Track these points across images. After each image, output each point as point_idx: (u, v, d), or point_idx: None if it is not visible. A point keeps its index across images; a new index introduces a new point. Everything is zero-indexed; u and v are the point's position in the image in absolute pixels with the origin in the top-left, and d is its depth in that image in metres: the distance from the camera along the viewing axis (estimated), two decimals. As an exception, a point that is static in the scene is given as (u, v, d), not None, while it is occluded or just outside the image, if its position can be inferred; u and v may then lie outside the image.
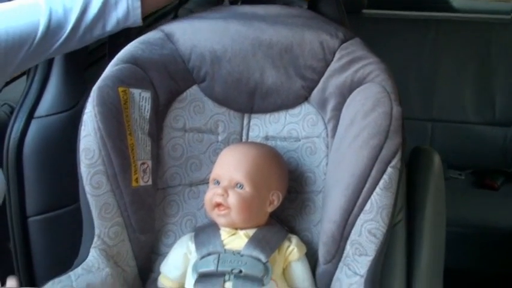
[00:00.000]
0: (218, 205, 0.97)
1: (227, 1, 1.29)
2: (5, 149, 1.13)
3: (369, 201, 0.90)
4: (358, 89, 0.98)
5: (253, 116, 1.10)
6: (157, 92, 1.03)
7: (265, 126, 1.10)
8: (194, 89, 1.07)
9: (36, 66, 1.17)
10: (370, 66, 0.98)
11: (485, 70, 1.99)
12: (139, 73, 1.00)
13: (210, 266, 0.94)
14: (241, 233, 0.98)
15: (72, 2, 0.99)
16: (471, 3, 2.69)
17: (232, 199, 0.96)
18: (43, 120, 1.15)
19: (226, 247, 0.96)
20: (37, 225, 1.18)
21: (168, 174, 1.07)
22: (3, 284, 0.82)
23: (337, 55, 1.02)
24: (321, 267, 1.00)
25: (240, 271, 0.93)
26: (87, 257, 0.96)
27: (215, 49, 1.04)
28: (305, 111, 1.07)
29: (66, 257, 1.01)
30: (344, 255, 0.95)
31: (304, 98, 1.06)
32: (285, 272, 1.00)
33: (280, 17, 1.06)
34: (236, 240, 0.97)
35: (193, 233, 1.03)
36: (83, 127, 0.95)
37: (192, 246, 0.99)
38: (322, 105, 1.04)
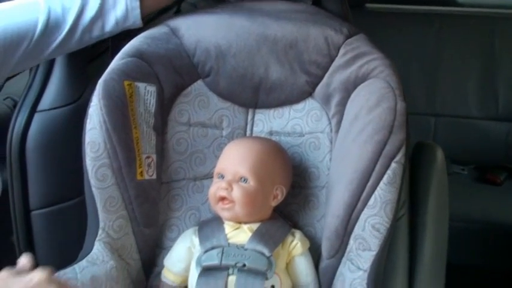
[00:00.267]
0: (222, 199, 0.97)
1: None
2: (8, 143, 1.13)
3: (373, 196, 0.90)
4: (362, 85, 0.98)
5: (257, 111, 1.10)
6: (163, 86, 1.03)
7: (269, 122, 1.10)
8: (199, 84, 1.07)
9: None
10: (374, 62, 0.98)
11: (488, 65, 1.98)
12: (145, 67, 1.01)
13: (213, 260, 0.94)
14: (245, 227, 0.99)
15: (71, 2, 0.99)
16: (475, -3, 2.68)
17: (237, 193, 0.96)
18: (46, 113, 1.14)
19: (230, 241, 0.97)
20: (40, 219, 1.17)
21: (173, 168, 1.07)
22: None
23: (341, 51, 1.02)
24: (324, 262, 1.00)
25: (244, 265, 0.93)
26: (91, 249, 0.97)
27: (220, 44, 1.04)
28: (309, 107, 1.07)
29: (69, 251, 1.01)
30: (347, 250, 0.96)
31: (308, 93, 1.06)
32: (288, 267, 1.00)
33: (285, 13, 1.06)
34: (240, 234, 0.98)
35: (197, 227, 1.03)
36: (88, 120, 0.96)
37: (195, 240, 1.00)
38: (326, 101, 1.04)
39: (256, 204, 0.98)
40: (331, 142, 1.04)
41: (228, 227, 0.99)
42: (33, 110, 1.14)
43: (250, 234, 0.97)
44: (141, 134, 0.99)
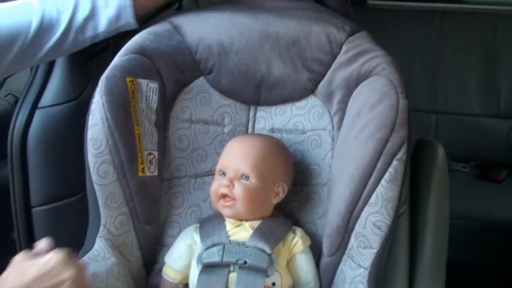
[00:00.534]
0: (224, 196, 0.97)
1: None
2: (9, 139, 1.13)
3: (374, 194, 0.91)
4: (364, 82, 0.98)
5: (259, 108, 1.10)
6: (165, 83, 1.03)
7: (271, 119, 1.10)
8: (201, 81, 1.07)
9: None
10: (376, 59, 0.98)
11: (490, 62, 1.98)
12: (147, 63, 1.00)
13: (214, 257, 0.94)
14: (246, 224, 0.99)
15: (65, 3, 0.98)
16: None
17: (238, 190, 0.96)
18: (47, 110, 1.14)
19: (231, 238, 0.97)
20: (41, 216, 1.18)
21: (174, 165, 1.07)
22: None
23: (344, 48, 1.02)
24: (325, 260, 1.00)
25: (245, 262, 0.93)
26: (92, 246, 0.97)
27: (222, 41, 1.04)
28: (311, 104, 1.07)
29: (70, 247, 1.01)
30: (348, 247, 0.96)
31: (310, 90, 1.06)
32: (289, 264, 1.00)
33: (288, 10, 1.06)
34: (241, 232, 0.98)
35: (198, 224, 1.03)
36: (90, 116, 0.96)
37: (197, 237, 1.00)
38: (328, 98, 1.04)
39: (257, 202, 0.98)
40: (333, 140, 1.04)
41: (229, 224, 0.99)
42: (34, 106, 1.14)
43: (251, 231, 0.97)
44: (143, 131, 0.99)
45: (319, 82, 1.05)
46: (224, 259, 0.94)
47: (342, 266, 0.98)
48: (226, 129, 1.10)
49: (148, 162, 1.00)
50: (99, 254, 0.96)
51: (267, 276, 0.93)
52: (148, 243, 1.04)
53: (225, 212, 0.99)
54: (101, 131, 0.94)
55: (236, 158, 0.99)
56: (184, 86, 1.06)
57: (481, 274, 1.72)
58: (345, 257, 0.97)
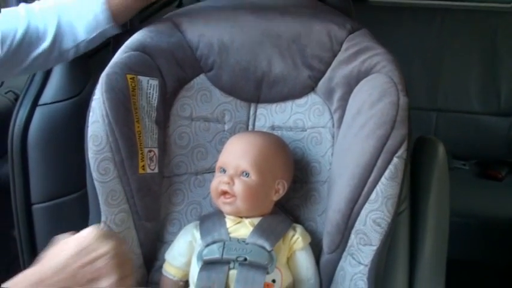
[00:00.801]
0: (224, 193, 0.98)
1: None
2: (9, 136, 1.13)
3: (374, 191, 0.91)
4: (365, 80, 0.98)
5: (259, 105, 1.10)
6: (165, 80, 1.03)
7: (271, 116, 1.10)
8: (201, 78, 1.07)
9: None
10: (377, 57, 0.98)
11: (490, 60, 1.97)
12: (148, 61, 1.01)
13: (215, 254, 0.94)
14: (246, 221, 0.99)
15: (49, 16, 0.98)
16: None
17: (238, 187, 0.96)
18: (48, 107, 1.14)
19: (232, 235, 0.97)
20: (41, 213, 1.18)
21: (174, 163, 1.07)
22: None
23: (344, 46, 1.02)
24: (325, 257, 1.00)
25: (245, 259, 0.93)
26: (93, 243, 0.97)
27: (223, 38, 1.04)
28: (311, 101, 1.07)
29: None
30: (348, 244, 0.96)
31: (310, 88, 1.06)
32: (289, 261, 1.00)
33: (289, 7, 1.06)
34: (241, 229, 0.98)
35: (198, 221, 1.03)
36: (91, 113, 0.96)
37: (197, 234, 1.00)
38: (328, 96, 1.04)
39: (257, 199, 0.98)
40: (333, 137, 1.04)
41: (230, 221, 0.99)
42: (34, 103, 1.14)
43: (251, 228, 0.97)
44: (144, 128, 0.99)
45: (319, 79, 1.05)
46: (224, 256, 0.94)
47: (342, 263, 0.98)
48: (226, 127, 1.10)
49: (149, 160, 1.00)
50: (100, 251, 0.96)
51: (267, 273, 0.93)
52: (148, 240, 1.04)
53: (225, 209, 0.99)
54: (102, 128, 0.94)
55: (236, 155, 0.99)
56: (185, 83, 1.06)
57: (481, 271, 1.72)
58: (345, 254, 0.97)
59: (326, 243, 0.99)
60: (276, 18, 1.03)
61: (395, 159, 0.90)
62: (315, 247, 1.02)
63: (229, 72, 1.06)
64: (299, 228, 1.02)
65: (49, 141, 1.15)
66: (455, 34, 2.01)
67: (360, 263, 0.94)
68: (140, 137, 0.98)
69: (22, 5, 0.99)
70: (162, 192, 1.06)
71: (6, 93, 1.28)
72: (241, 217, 0.99)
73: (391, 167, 0.90)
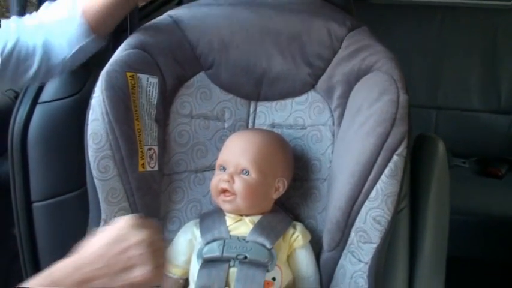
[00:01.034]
0: (224, 191, 0.98)
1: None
2: (9, 135, 1.13)
3: (374, 189, 0.91)
4: (365, 77, 0.98)
5: (259, 103, 1.10)
6: (165, 78, 1.03)
7: (271, 114, 1.10)
8: (201, 76, 1.07)
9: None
10: (377, 55, 0.98)
11: (491, 58, 1.98)
12: (147, 58, 1.00)
13: (215, 252, 0.94)
14: (246, 219, 0.99)
15: (37, 33, 0.96)
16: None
17: (238, 185, 0.96)
18: (47, 105, 1.14)
19: (232, 233, 0.97)
20: (41, 211, 1.18)
21: (174, 161, 1.07)
22: None
23: (344, 43, 1.02)
24: (325, 255, 1.01)
25: (245, 257, 0.93)
26: (93, 241, 0.97)
27: (223, 36, 1.04)
28: (311, 99, 1.07)
29: (71, 243, 1.01)
30: (348, 242, 0.96)
31: (310, 85, 1.06)
32: (289, 259, 1.00)
33: (288, 5, 1.06)
34: (241, 227, 0.98)
35: (198, 219, 1.03)
36: (90, 111, 0.96)
37: (197, 232, 1.00)
38: (328, 93, 1.04)
39: (257, 197, 0.98)
40: (333, 135, 1.04)
41: (230, 219, 0.99)
42: (34, 101, 1.14)
43: (251, 226, 0.97)
44: (143, 126, 0.99)
45: (319, 77, 1.05)
46: (224, 254, 0.94)
47: (342, 261, 0.98)
48: (226, 124, 1.10)
49: (149, 158, 1.00)
50: (100, 249, 0.96)
51: (267, 271, 0.93)
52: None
53: (225, 207, 0.99)
54: (101, 126, 0.94)
55: (236, 153, 0.99)
56: (185, 81, 1.06)
57: (481, 269, 1.72)
58: (345, 251, 0.97)
59: (326, 241, 0.99)
60: (276, 16, 1.03)
61: (395, 157, 0.90)
62: (315, 245, 1.02)
63: (229, 69, 1.06)
64: (299, 226, 1.02)
65: (49, 139, 1.15)
66: (455, 32, 2.01)
67: (360, 260, 0.94)
68: (140, 135, 0.98)
69: (13, 18, 0.98)
70: (162, 190, 1.06)
71: (6, 91, 1.28)
72: (241, 215, 0.99)
73: (391, 164, 0.90)
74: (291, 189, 1.05)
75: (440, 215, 1.08)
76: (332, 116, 1.04)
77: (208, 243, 0.96)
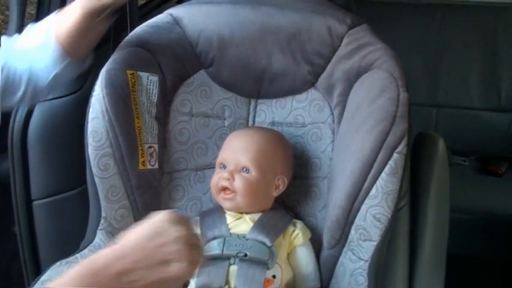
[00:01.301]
0: (224, 189, 0.98)
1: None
2: (9, 133, 1.13)
3: (374, 187, 0.91)
4: (365, 75, 0.98)
5: (259, 101, 1.10)
6: (165, 76, 1.03)
7: (271, 112, 1.10)
8: (201, 74, 1.07)
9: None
10: (377, 52, 0.98)
11: (491, 56, 1.97)
12: (148, 56, 1.01)
13: (215, 250, 0.94)
14: (246, 217, 0.99)
15: (23, 58, 0.95)
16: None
17: (238, 183, 0.96)
18: (48, 103, 1.14)
19: (232, 231, 0.97)
20: (41, 209, 1.18)
21: (174, 159, 1.07)
22: None
23: (344, 41, 1.01)
24: (325, 252, 1.01)
25: (245, 255, 0.93)
26: (93, 239, 0.98)
27: (223, 34, 1.04)
28: (311, 97, 1.07)
29: (70, 241, 1.02)
30: (348, 240, 0.96)
31: (311, 83, 1.06)
32: (290, 257, 1.00)
33: (289, 3, 1.06)
34: (241, 225, 0.98)
35: (198, 217, 1.03)
36: (91, 109, 0.96)
37: (197, 230, 1.00)
38: (328, 91, 1.04)
39: (257, 195, 0.98)
40: (333, 133, 1.04)
41: (230, 217, 0.99)
42: (35, 99, 1.14)
43: (251, 224, 0.97)
44: (144, 124, 0.99)
45: (319, 75, 1.05)
46: (225, 252, 0.94)
47: (342, 259, 0.98)
48: (226, 122, 1.10)
49: (149, 155, 1.00)
50: (100, 247, 0.96)
51: (268, 268, 0.93)
52: (148, 236, 1.04)
53: (225, 204, 0.99)
54: (101, 124, 0.95)
55: (236, 151, 0.99)
56: (185, 79, 1.06)
57: (481, 267, 1.72)
58: (345, 249, 0.97)
59: (326, 239, 0.99)
60: (276, 14, 1.03)
61: (395, 155, 0.90)
62: (315, 243, 1.02)
63: (229, 68, 1.06)
64: (299, 223, 1.02)
65: (49, 138, 1.15)
66: (455, 30, 2.01)
67: (360, 258, 0.94)
68: (140, 133, 0.98)
69: (3, 38, 0.97)
70: (162, 188, 1.06)
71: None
72: (241, 213, 0.99)
73: (391, 162, 0.90)
74: (291, 187, 1.05)
75: (440, 213, 1.08)
76: (332, 114, 1.04)
77: (208, 241, 0.96)
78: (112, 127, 0.95)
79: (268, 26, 1.03)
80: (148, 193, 1.01)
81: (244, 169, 0.97)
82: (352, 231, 0.94)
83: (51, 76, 0.95)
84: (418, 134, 1.14)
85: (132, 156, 0.97)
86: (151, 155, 1.01)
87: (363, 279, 0.93)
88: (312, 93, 1.07)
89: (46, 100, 1.14)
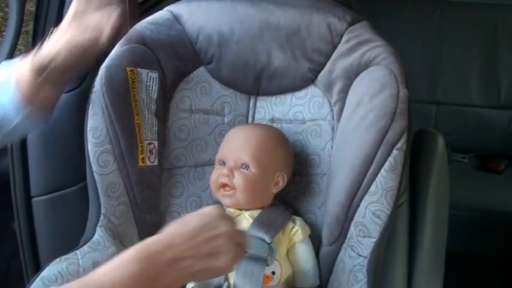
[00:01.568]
0: (224, 185, 0.98)
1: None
2: (9, 129, 1.13)
3: (374, 183, 0.91)
4: (365, 72, 0.98)
5: (259, 98, 1.10)
6: (165, 73, 1.03)
7: (271, 109, 1.10)
8: (201, 71, 1.07)
9: (41, 45, 1.16)
10: (377, 49, 0.98)
11: (490, 53, 1.97)
12: (147, 53, 1.01)
13: (214, 246, 0.94)
14: (246, 214, 0.99)
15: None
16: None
17: (238, 180, 0.96)
18: (47, 100, 1.14)
19: (231, 228, 0.97)
20: (41, 206, 1.18)
21: (174, 155, 1.07)
22: None
23: (344, 38, 1.01)
24: (325, 249, 1.01)
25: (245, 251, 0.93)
26: (93, 235, 0.97)
27: (223, 31, 1.04)
28: (311, 94, 1.07)
29: (70, 237, 1.02)
30: (348, 236, 0.96)
31: (310, 80, 1.06)
32: (289, 253, 1.00)
33: (288, 0, 1.05)
34: (241, 221, 0.98)
35: (198, 214, 1.03)
36: (90, 106, 0.96)
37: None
38: (328, 88, 1.04)
39: (257, 191, 0.98)
40: (332, 129, 1.04)
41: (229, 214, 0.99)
42: (34, 96, 1.13)
43: (251, 221, 0.98)
44: (143, 121, 0.99)
45: (319, 72, 1.05)
46: (224, 248, 0.94)
47: (341, 255, 0.98)
48: (226, 119, 1.10)
49: (149, 152, 1.00)
50: (100, 243, 0.96)
51: (267, 265, 0.93)
52: (148, 233, 1.03)
53: (225, 201, 0.99)
54: (101, 121, 0.95)
55: (236, 148, 0.99)
56: (185, 75, 1.06)
57: (481, 264, 1.72)
58: (344, 246, 0.97)
59: (325, 236, 1.00)
60: (276, 11, 1.03)
61: (395, 152, 0.90)
62: (315, 239, 1.03)
63: (228, 64, 1.06)
64: (298, 220, 1.02)
65: (49, 134, 1.15)
66: (455, 27, 2.00)
67: (359, 255, 0.95)
68: (140, 129, 0.98)
69: None
70: (162, 184, 1.06)
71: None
72: (240, 209, 0.99)
73: (390, 159, 0.90)
74: (290, 183, 1.05)
75: (439, 210, 1.08)
76: (332, 110, 1.04)
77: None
78: (111, 124, 0.95)
79: (268, 23, 1.03)
80: (147, 190, 1.01)
81: (244, 166, 0.97)
82: (352, 228, 0.95)
83: (13, 123, 0.87)
84: (418, 131, 1.14)
85: (131, 152, 0.97)
86: (150, 151, 1.01)
87: (362, 276, 0.93)
88: (312, 90, 1.07)
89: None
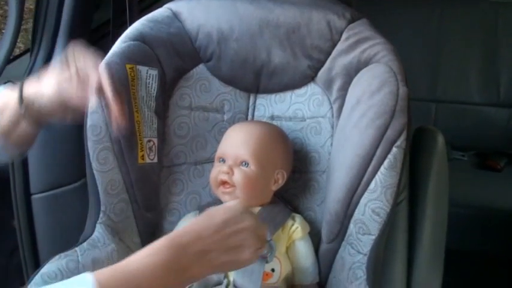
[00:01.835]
0: (223, 183, 0.98)
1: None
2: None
3: (373, 181, 0.91)
4: (364, 69, 0.98)
5: (259, 95, 1.10)
6: (164, 70, 1.03)
7: (270, 106, 1.10)
8: (201, 68, 1.07)
9: (40, 43, 1.16)
10: (377, 47, 0.98)
11: (490, 51, 1.97)
12: (147, 50, 1.00)
13: (214, 244, 0.94)
14: (245, 211, 0.99)
15: None
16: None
17: (238, 177, 0.96)
18: (47, 97, 1.14)
19: (231, 225, 0.97)
20: (41, 203, 1.18)
21: (174, 153, 1.07)
22: None
23: (344, 35, 1.01)
24: (324, 246, 1.01)
25: (245, 249, 0.94)
26: (92, 232, 0.97)
27: (222, 28, 1.04)
28: (311, 91, 1.07)
29: (70, 234, 1.02)
30: (347, 234, 0.96)
31: (310, 78, 1.06)
32: (288, 250, 1.00)
33: (288, -3, 1.06)
34: (241, 219, 0.98)
35: (197, 211, 1.03)
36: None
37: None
38: (328, 85, 1.04)
39: (257, 189, 0.98)
40: (332, 127, 1.04)
41: (229, 211, 0.99)
42: (33, 93, 1.13)
43: (250, 218, 0.98)
44: (143, 118, 0.99)
45: (319, 69, 1.05)
46: (223, 246, 0.94)
47: (341, 253, 0.98)
48: (226, 117, 1.10)
49: (148, 149, 1.00)
50: (99, 240, 0.96)
51: (266, 262, 0.93)
52: (147, 230, 1.05)
53: (224, 198, 0.99)
54: (101, 118, 0.94)
55: (236, 145, 0.99)
56: (184, 73, 1.06)
57: (480, 262, 1.73)
58: (344, 243, 0.97)
59: (325, 233, 1.00)
60: (276, 8, 1.03)
61: (394, 149, 0.90)
62: (314, 237, 1.03)
63: (228, 62, 1.06)
64: (298, 217, 1.02)
65: (48, 131, 1.14)
66: (455, 24, 2.00)
67: (358, 252, 0.95)
68: (139, 127, 0.98)
69: None
70: (162, 182, 1.06)
71: (5, 83, 1.27)
72: (240, 207, 0.99)
73: (390, 156, 0.90)
74: (290, 181, 1.05)
75: (439, 208, 1.08)
76: (331, 108, 1.04)
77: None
78: (111, 121, 0.94)
79: (268, 20, 1.03)
80: (147, 187, 1.01)
81: (244, 163, 0.97)
82: (351, 225, 0.95)
83: None
84: (417, 129, 1.14)
85: (131, 150, 0.97)
86: (150, 149, 1.01)
87: (361, 273, 0.93)
88: (312, 88, 1.07)
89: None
